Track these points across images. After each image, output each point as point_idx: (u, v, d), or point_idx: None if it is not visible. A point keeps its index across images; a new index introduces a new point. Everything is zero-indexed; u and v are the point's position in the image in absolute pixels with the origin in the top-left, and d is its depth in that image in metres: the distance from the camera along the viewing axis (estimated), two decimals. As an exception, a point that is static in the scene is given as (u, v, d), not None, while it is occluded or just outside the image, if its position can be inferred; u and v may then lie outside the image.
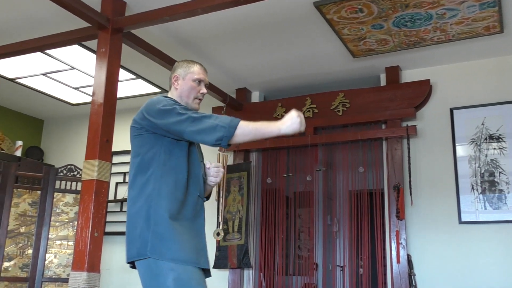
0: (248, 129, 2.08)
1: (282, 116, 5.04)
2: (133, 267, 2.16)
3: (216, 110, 5.30)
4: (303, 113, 4.91)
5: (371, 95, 4.71)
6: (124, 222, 5.98)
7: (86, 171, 3.30)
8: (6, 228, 4.31)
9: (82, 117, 6.25)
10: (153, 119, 2.14)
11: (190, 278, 2.02)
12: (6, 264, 4.28)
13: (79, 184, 4.76)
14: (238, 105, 5.19)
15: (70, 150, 6.24)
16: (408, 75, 4.73)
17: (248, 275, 4.94)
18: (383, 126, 4.68)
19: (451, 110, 4.47)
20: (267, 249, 4.99)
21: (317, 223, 5.00)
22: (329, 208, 5.02)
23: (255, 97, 5.42)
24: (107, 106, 3.40)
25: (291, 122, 2.07)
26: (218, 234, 4.81)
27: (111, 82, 3.47)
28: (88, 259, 3.13)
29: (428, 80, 4.54)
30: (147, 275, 2.05)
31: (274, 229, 4.99)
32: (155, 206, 2.09)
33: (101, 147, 3.31)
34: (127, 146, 6.00)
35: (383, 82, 4.80)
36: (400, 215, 4.29)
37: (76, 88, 5.34)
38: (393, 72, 4.71)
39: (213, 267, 4.92)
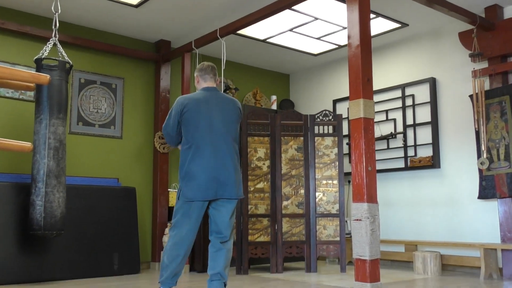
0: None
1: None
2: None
3: (463, 35, 4.95)
4: None
5: None
6: (383, 159, 5.97)
7: (353, 110, 3.50)
8: (281, 171, 4.90)
9: (322, 66, 6.58)
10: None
11: None
12: (285, 202, 4.89)
13: (333, 127, 5.06)
14: (490, 25, 4.74)
15: (315, 98, 6.65)
16: None
17: (521, 205, 4.62)
18: None
19: None
20: (540, 177, 4.56)
21: None
22: None
23: (509, 12, 4.86)
24: (364, 46, 3.51)
25: None
26: (482, 163, 4.63)
27: (364, 22, 3.55)
28: (366, 191, 3.37)
29: None
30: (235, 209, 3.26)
31: (547, 155, 4.52)
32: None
33: (363, 87, 3.47)
34: (382, 85, 6.07)
35: None
36: None
37: (318, 38, 5.61)
38: None
39: (479, 197, 4.75)
